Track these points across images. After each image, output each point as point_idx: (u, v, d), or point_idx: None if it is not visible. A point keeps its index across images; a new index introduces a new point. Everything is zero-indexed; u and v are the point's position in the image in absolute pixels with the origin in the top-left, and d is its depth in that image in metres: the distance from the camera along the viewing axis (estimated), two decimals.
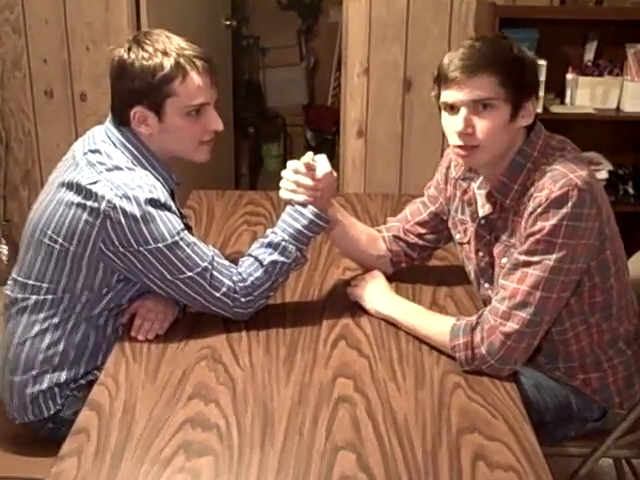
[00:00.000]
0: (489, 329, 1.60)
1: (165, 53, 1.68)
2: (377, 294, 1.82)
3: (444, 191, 1.90)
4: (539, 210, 1.56)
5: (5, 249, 3.72)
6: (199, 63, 1.71)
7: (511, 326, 1.58)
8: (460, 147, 1.63)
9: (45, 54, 3.54)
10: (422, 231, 1.96)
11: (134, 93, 1.69)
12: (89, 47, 3.51)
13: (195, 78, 1.70)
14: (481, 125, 1.59)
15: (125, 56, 1.69)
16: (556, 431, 1.79)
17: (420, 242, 1.97)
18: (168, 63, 1.68)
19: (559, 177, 1.56)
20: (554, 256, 1.56)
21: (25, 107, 3.63)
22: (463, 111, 1.60)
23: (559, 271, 1.57)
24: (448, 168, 1.89)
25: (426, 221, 1.96)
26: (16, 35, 3.53)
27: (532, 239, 1.58)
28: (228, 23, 4.26)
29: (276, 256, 1.73)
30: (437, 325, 1.68)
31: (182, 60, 1.69)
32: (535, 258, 1.58)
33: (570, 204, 1.54)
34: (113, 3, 3.43)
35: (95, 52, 3.51)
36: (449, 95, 1.61)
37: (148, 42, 1.70)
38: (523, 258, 1.59)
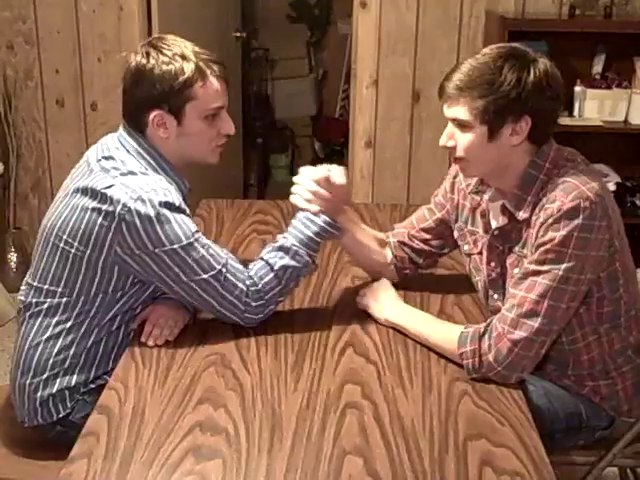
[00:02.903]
0: (497, 336, 1.61)
1: (184, 57, 1.71)
2: (385, 302, 1.83)
3: (451, 200, 1.92)
4: (550, 221, 1.58)
5: (15, 257, 3.74)
6: (216, 67, 1.74)
7: (519, 334, 1.59)
8: (453, 158, 1.71)
9: (57, 64, 3.58)
10: (427, 237, 1.97)
11: (154, 97, 1.71)
12: (100, 58, 3.55)
13: (214, 82, 1.73)
14: (460, 142, 1.67)
15: (144, 61, 1.71)
16: (566, 440, 1.79)
17: (426, 248, 1.98)
18: (189, 67, 1.70)
19: (571, 189, 1.58)
20: (563, 266, 1.57)
21: (36, 116, 3.67)
22: (449, 126, 1.68)
23: (568, 281, 1.58)
24: (455, 177, 1.91)
25: (432, 227, 1.97)
26: (29, 46, 3.57)
27: (542, 249, 1.59)
28: (238, 35, 4.29)
29: (287, 260, 1.75)
30: (445, 333, 1.68)
31: (202, 64, 1.72)
32: (544, 267, 1.59)
33: (581, 216, 1.55)
34: (125, 15, 3.47)
35: (106, 63, 3.55)
36: (444, 108, 1.69)
37: (165, 47, 1.72)
38: (533, 267, 1.60)
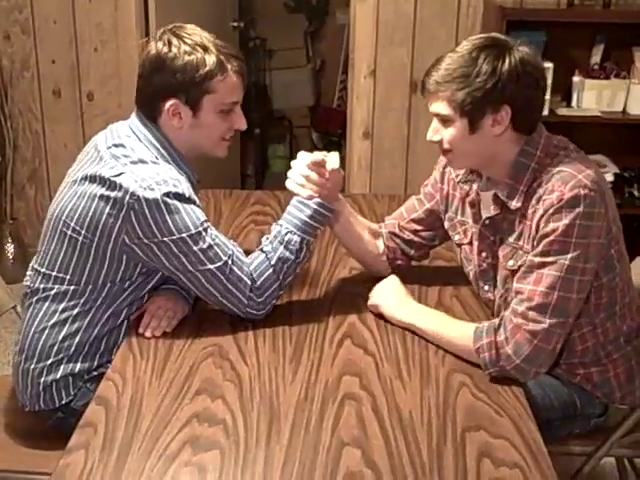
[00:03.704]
0: (513, 328, 1.60)
1: (205, 49, 1.69)
2: (396, 301, 1.80)
3: (440, 190, 1.92)
4: (551, 211, 1.57)
5: (12, 248, 3.73)
6: (235, 62, 1.73)
7: (535, 326, 1.58)
8: (441, 151, 1.73)
9: (53, 54, 3.57)
10: (417, 228, 1.97)
11: (172, 87, 1.69)
12: (97, 48, 3.54)
13: (233, 77, 1.73)
14: (444, 136, 1.68)
15: (165, 49, 1.69)
16: (561, 429, 1.79)
17: (416, 239, 1.98)
18: (210, 60, 1.69)
19: (568, 178, 1.58)
20: (569, 256, 1.57)
21: (33, 107, 3.65)
22: (434, 121, 1.70)
23: (574, 270, 1.57)
24: (445, 167, 1.91)
25: (422, 218, 1.97)
26: (25, 36, 3.55)
27: (546, 240, 1.58)
28: (235, 25, 4.27)
29: (281, 250, 1.74)
30: (459, 330, 1.67)
31: (223, 58, 1.70)
32: (550, 259, 1.58)
33: (582, 204, 1.55)
34: (122, 4, 3.45)
35: (103, 53, 3.53)
36: (428, 104, 1.70)
37: (186, 36, 1.70)
38: (538, 260, 1.60)
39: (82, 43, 3.53)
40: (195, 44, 1.69)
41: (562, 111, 3.30)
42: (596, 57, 3.35)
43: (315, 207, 1.77)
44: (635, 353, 1.79)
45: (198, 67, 1.68)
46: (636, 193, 3.39)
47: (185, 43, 1.69)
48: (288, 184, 1.75)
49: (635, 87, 3.25)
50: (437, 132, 1.69)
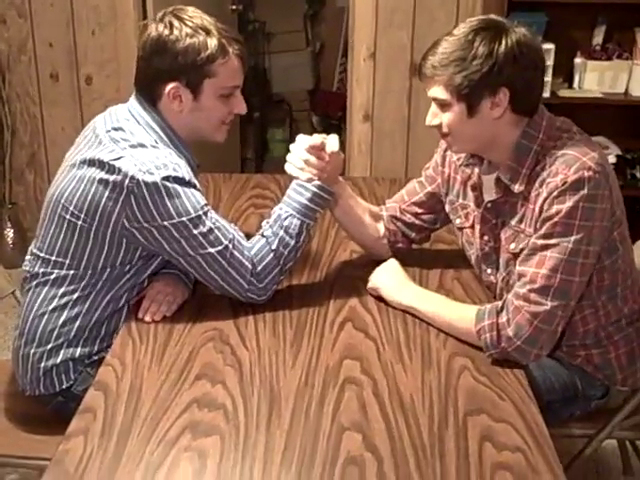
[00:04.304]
0: (514, 310, 1.59)
1: (207, 32, 1.68)
2: (396, 285, 1.80)
3: (442, 173, 1.91)
4: (555, 194, 1.56)
5: (11, 232, 3.72)
6: (237, 46, 1.72)
7: (536, 307, 1.57)
8: (441, 135, 1.72)
9: (51, 38, 3.54)
10: (419, 211, 1.96)
11: (174, 70, 1.68)
12: (95, 31, 3.50)
13: (234, 60, 1.71)
14: (443, 119, 1.67)
15: (167, 32, 1.67)
16: (562, 411, 1.79)
17: (417, 222, 1.97)
18: (212, 43, 1.67)
19: (572, 161, 1.56)
20: (572, 238, 1.56)
21: (31, 91, 3.63)
22: (432, 105, 1.68)
23: (577, 253, 1.56)
24: (446, 150, 1.89)
25: (423, 201, 1.96)
26: (22, 19, 3.52)
27: (549, 223, 1.57)
28: (234, 8, 4.23)
29: (282, 234, 1.73)
30: (460, 312, 1.67)
31: (224, 41, 1.69)
32: (553, 241, 1.57)
33: (586, 187, 1.54)
34: None
35: (101, 36, 3.50)
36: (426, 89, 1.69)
37: (187, 18, 1.68)
38: (541, 242, 1.58)
39: (79, 26, 3.50)
40: (197, 27, 1.67)
41: (564, 93, 3.28)
42: (598, 38, 3.33)
43: (315, 190, 1.76)
44: (637, 335, 1.78)
45: (200, 50, 1.66)
46: (638, 175, 3.37)
47: (187, 25, 1.67)
48: (287, 168, 1.74)
49: (637, 68, 3.22)
50: (436, 116, 1.68)
